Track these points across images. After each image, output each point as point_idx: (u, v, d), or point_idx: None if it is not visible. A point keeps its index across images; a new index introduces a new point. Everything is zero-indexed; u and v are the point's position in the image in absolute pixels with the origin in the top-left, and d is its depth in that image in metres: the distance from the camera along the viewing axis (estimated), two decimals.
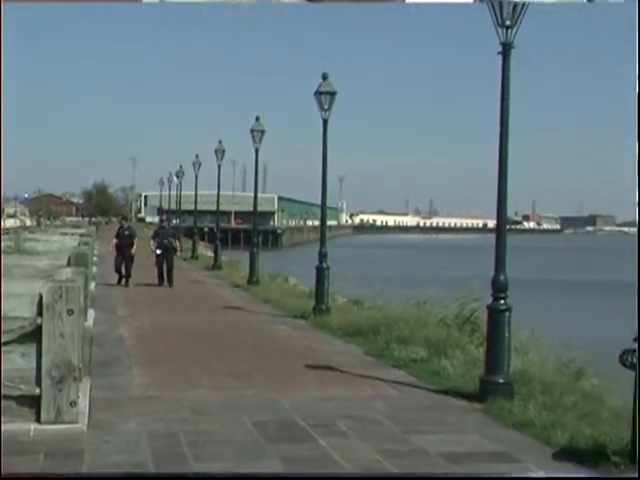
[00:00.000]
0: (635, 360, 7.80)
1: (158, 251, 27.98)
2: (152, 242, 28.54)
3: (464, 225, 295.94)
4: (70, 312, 9.01)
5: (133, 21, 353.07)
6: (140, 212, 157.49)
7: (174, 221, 37.81)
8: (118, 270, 27.77)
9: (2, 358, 8.85)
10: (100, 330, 17.13)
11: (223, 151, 42.17)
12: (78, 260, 18.20)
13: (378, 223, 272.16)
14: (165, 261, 28.09)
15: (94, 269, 30.07)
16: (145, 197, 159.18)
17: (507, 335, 11.04)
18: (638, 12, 8.62)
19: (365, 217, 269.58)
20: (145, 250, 29.86)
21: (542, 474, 7.43)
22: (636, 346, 7.86)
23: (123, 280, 27.69)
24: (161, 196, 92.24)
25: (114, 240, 28.61)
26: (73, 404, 9.10)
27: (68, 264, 18.42)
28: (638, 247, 8.66)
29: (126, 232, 28.41)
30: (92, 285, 24.22)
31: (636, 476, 6.87)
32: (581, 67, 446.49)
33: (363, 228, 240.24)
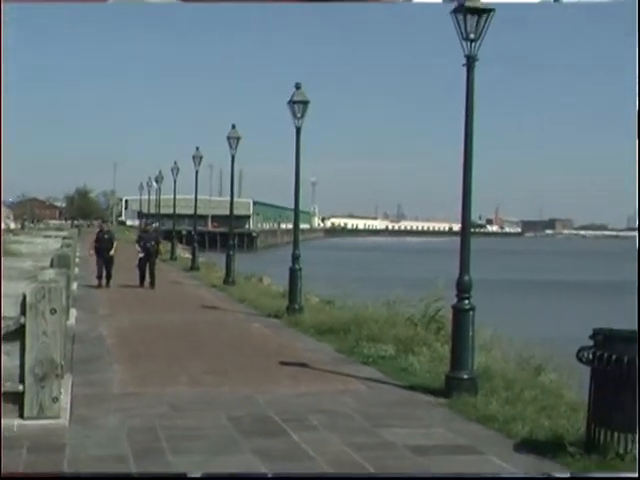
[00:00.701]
0: (591, 356, 7.87)
1: (141, 254, 27.84)
2: (137, 246, 28.42)
3: (430, 228, 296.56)
4: (53, 311, 8.96)
5: (110, 26, 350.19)
6: (121, 216, 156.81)
7: (154, 224, 37.76)
8: (101, 276, 27.43)
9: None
10: (82, 329, 17.04)
11: (200, 157, 42.14)
12: (61, 261, 18.11)
13: (349, 226, 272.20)
14: (148, 264, 27.91)
15: (76, 270, 29.88)
16: (126, 201, 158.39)
17: (471, 333, 11.08)
18: (638, 12, 8.40)
19: (336, 221, 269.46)
20: (127, 252, 29.70)
21: (543, 474, 7.31)
22: (592, 343, 7.93)
23: (104, 281, 27.42)
24: (141, 200, 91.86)
25: (95, 244, 28.29)
26: (55, 400, 9.05)
27: (51, 265, 18.34)
28: (638, 247, 8.53)
29: (105, 236, 28.15)
30: (74, 285, 24.08)
31: (636, 476, 6.82)
32: (544, 74, 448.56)
33: (334, 231, 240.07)
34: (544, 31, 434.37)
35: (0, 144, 13.83)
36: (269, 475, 7.32)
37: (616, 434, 7.65)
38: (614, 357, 7.64)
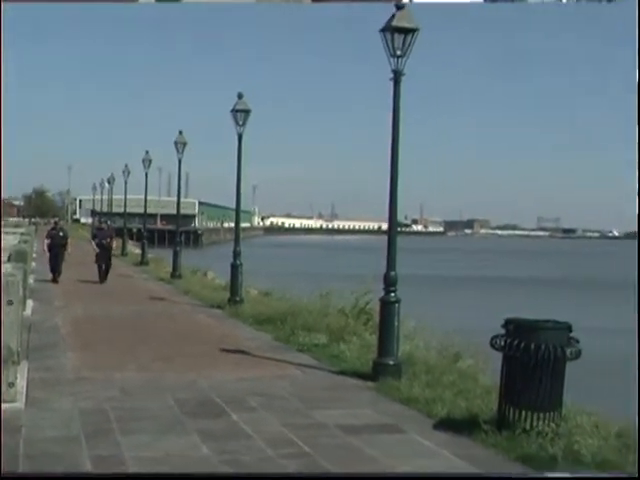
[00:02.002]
0: (503, 344, 8.02)
1: (97, 250, 27.27)
2: (93, 242, 27.93)
3: (361, 227, 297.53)
4: (10, 303, 8.84)
5: (61, 28, 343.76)
6: (75, 214, 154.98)
7: (108, 222, 36.96)
8: (53, 269, 26.96)
9: None
10: (37, 319, 16.81)
11: (150, 160, 41.81)
12: (18, 256, 17.88)
13: (286, 225, 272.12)
14: (103, 260, 27.36)
15: (33, 264, 29.42)
16: (80, 201, 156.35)
17: (396, 324, 11.18)
18: (638, 12, 8.14)
19: (275, 220, 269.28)
20: (81, 249, 29.19)
21: (547, 474, 7.04)
22: (504, 332, 8.07)
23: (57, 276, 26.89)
24: (94, 200, 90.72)
25: (46, 240, 27.66)
26: (12, 385, 8.93)
27: (9, 260, 18.06)
28: (638, 247, 8.37)
29: (60, 233, 27.60)
30: (31, 279, 23.72)
31: (636, 476, 6.75)
32: (466, 75, 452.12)
33: (273, 229, 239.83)
34: (477, 31, 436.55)
35: (0, 145, 13.38)
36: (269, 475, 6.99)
37: (524, 412, 7.82)
38: (523, 344, 7.81)
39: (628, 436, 7.59)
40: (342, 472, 6.96)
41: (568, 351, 7.82)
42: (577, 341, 8.01)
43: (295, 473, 6.80)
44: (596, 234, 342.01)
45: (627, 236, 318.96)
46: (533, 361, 7.76)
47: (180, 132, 31.38)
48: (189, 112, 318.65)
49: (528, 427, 7.71)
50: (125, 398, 9.78)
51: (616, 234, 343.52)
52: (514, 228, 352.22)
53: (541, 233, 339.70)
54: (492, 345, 8.17)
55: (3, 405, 8.70)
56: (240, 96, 20.45)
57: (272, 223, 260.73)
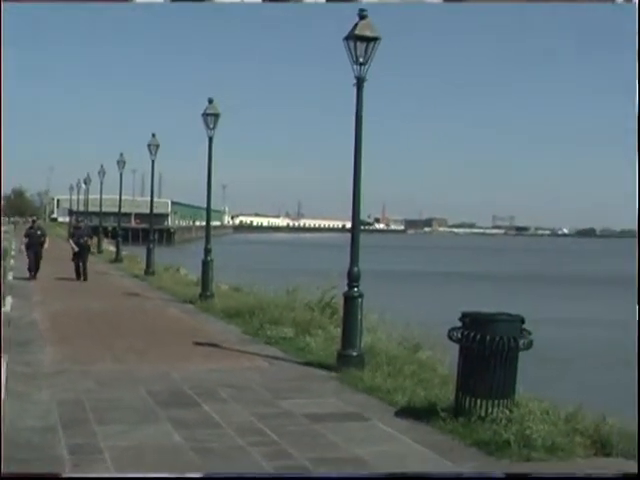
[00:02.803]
0: (459, 335, 8.08)
1: (75, 249, 26.84)
2: (71, 241, 27.54)
3: (326, 226, 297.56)
4: None
5: (43, 28, 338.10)
6: (53, 213, 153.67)
7: (84, 221, 36.26)
8: (32, 267, 26.58)
9: None
10: (17, 314, 16.63)
11: (124, 162, 41.60)
12: None
13: (255, 223, 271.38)
14: (80, 258, 27.01)
15: (12, 262, 29.13)
16: (57, 200, 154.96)
17: (359, 317, 11.21)
18: (638, 12, 7.89)
19: (244, 218, 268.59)
20: (59, 247, 28.92)
21: (545, 472, 6.80)
22: (461, 324, 8.14)
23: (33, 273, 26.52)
24: (71, 199, 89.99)
25: (24, 239, 27.24)
26: None
27: None
28: (638, 247, 8.17)
29: (38, 232, 27.30)
30: (10, 276, 23.48)
31: (636, 474, 6.62)
32: (427, 79, 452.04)
33: (242, 228, 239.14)
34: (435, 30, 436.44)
35: (0, 145, 13.16)
36: (267, 475, 6.74)
37: (479, 400, 7.88)
38: (478, 336, 7.87)
39: (575, 421, 7.69)
40: (341, 472, 6.82)
41: (520, 342, 7.91)
42: (529, 332, 8.09)
43: (292, 473, 6.75)
44: (547, 232, 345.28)
45: (577, 234, 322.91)
46: (488, 352, 7.82)
47: (153, 135, 31.30)
48: (162, 115, 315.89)
49: (483, 414, 7.78)
50: (101, 389, 9.73)
51: (566, 232, 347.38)
52: (471, 226, 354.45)
53: (496, 231, 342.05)
54: (450, 337, 8.23)
55: None
56: (210, 101, 20.45)
57: (241, 222, 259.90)
